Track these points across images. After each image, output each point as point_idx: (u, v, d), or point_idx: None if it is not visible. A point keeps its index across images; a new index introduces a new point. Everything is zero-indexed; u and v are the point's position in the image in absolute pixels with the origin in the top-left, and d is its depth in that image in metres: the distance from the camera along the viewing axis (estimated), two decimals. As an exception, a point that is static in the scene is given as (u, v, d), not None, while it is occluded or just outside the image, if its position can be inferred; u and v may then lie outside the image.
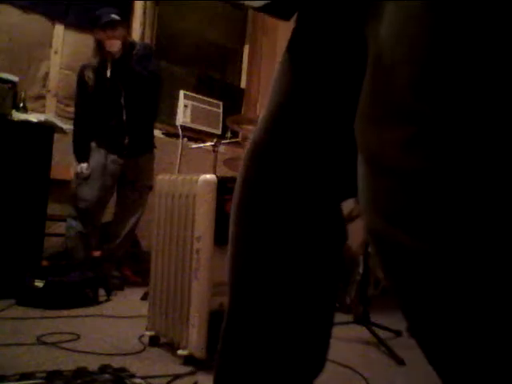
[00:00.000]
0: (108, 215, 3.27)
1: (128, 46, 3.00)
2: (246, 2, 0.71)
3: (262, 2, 0.68)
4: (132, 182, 3.12)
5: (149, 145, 3.20)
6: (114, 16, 2.90)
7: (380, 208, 0.48)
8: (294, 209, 0.74)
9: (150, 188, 3.15)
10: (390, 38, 0.49)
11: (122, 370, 1.44)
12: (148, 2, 3.98)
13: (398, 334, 2.34)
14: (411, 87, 0.46)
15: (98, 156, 3.01)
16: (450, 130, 0.43)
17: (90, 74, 2.99)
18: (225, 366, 0.80)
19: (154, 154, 3.25)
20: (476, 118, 0.43)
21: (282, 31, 4.32)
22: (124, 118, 3.01)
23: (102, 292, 2.69)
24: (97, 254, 3.11)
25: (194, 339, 1.61)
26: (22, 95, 2.81)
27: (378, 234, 0.49)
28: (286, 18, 0.72)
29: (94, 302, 2.55)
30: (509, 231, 0.41)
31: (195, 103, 3.35)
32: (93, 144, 3.03)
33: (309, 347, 0.79)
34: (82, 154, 3.02)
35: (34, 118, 2.72)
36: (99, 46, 2.96)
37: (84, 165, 3.00)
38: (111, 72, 2.92)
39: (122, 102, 3.00)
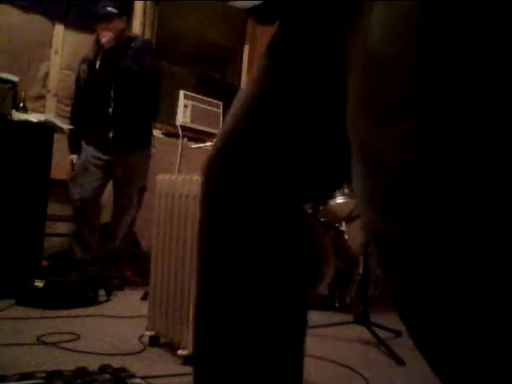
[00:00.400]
0: (108, 215, 3.27)
1: (125, 39, 2.98)
2: (231, 2, 0.70)
3: (247, 3, 0.67)
4: (123, 181, 3.07)
5: (141, 143, 3.12)
6: (109, 9, 2.90)
7: (377, 203, 0.48)
8: (255, 210, 0.75)
9: (143, 189, 3.09)
10: (381, 38, 0.49)
11: (122, 370, 1.44)
12: (148, 2, 3.98)
13: (398, 334, 2.34)
14: (407, 83, 0.46)
15: (85, 154, 3.01)
16: (449, 125, 0.43)
17: (84, 67, 3.01)
18: (201, 368, 0.80)
19: (150, 153, 3.19)
20: (474, 114, 0.43)
21: (282, 31, 4.32)
22: (110, 111, 2.98)
23: (101, 292, 2.69)
24: (97, 254, 3.11)
25: (194, 339, 1.61)
26: (22, 95, 2.81)
27: (375, 229, 0.49)
28: (270, 23, 0.72)
29: (94, 302, 2.55)
30: (506, 227, 0.42)
31: (195, 103, 3.35)
32: (82, 142, 3.04)
33: (281, 345, 0.78)
34: (73, 146, 3.06)
35: (34, 118, 2.71)
36: (97, 39, 2.97)
37: (74, 156, 3.04)
38: (101, 64, 2.89)
39: (112, 95, 2.97)
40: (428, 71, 0.45)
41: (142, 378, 1.43)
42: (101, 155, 3.01)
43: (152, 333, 1.85)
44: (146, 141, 3.17)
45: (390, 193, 0.46)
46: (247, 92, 0.78)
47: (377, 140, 0.47)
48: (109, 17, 2.90)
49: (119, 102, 2.99)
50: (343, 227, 3.00)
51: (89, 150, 3.01)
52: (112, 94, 2.97)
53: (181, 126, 3.25)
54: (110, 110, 2.98)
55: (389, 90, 0.47)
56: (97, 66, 2.90)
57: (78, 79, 3.06)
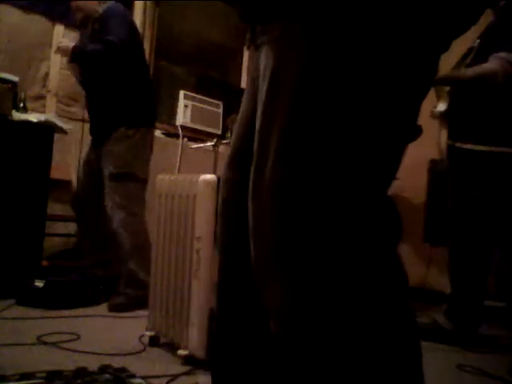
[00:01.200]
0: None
1: (92, 12, 2.65)
2: None
3: None
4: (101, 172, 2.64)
5: (115, 123, 2.59)
6: None
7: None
8: None
9: (113, 174, 2.55)
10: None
11: (122, 370, 1.44)
12: (148, 2, 3.97)
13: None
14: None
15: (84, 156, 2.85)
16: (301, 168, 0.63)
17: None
18: (219, 366, 0.81)
19: (128, 134, 2.58)
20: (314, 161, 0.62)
21: (282, 31, 4.31)
22: (87, 102, 2.76)
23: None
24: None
25: (194, 339, 1.61)
26: (22, 95, 2.81)
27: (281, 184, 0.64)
28: (251, 22, 0.77)
29: (94, 302, 2.55)
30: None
31: (195, 103, 3.35)
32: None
33: None
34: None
35: (34, 118, 2.71)
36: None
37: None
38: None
39: (82, 85, 2.74)
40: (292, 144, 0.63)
41: (142, 378, 1.43)
42: (89, 154, 2.76)
43: (152, 333, 1.85)
44: (121, 120, 2.59)
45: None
46: (248, 95, 0.83)
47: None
48: None
49: (90, 91, 2.70)
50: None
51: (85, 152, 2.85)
52: (83, 83, 2.73)
53: (181, 125, 3.25)
54: (87, 101, 2.75)
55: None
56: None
57: None
